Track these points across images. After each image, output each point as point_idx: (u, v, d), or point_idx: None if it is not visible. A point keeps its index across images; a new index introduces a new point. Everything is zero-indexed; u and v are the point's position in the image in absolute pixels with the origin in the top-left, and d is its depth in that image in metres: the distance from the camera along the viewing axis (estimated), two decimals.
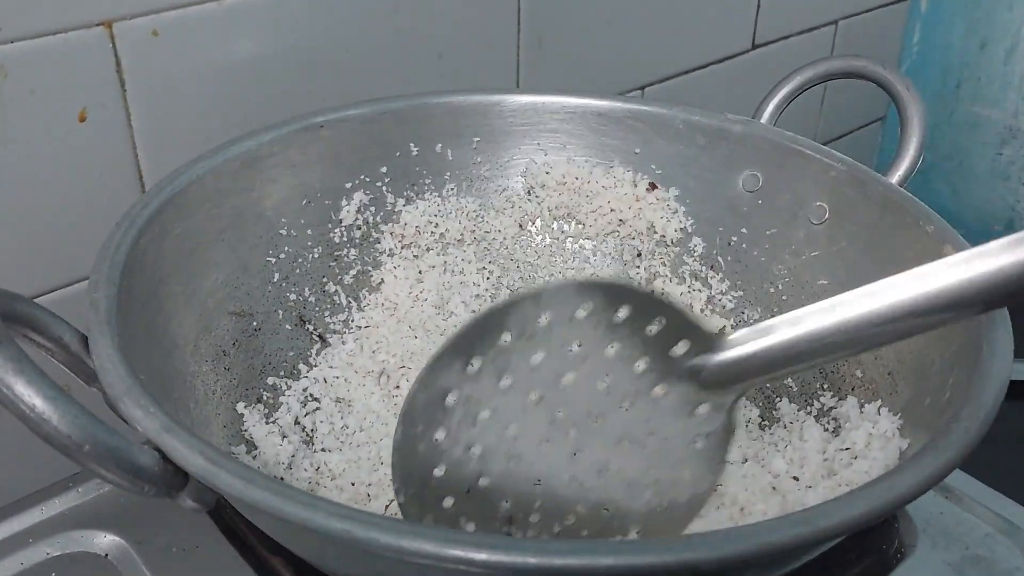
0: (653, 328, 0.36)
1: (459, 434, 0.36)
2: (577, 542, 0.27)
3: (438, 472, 0.36)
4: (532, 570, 0.26)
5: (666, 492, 0.37)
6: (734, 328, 0.49)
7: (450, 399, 0.35)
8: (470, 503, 0.36)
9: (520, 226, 0.56)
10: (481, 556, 0.26)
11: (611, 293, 0.36)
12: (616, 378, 0.37)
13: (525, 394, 0.36)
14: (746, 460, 0.45)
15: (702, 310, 0.54)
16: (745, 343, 0.36)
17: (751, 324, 0.38)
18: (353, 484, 0.43)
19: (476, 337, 0.35)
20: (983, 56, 0.93)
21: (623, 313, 0.36)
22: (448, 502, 0.36)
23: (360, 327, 0.52)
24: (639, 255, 0.55)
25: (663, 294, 0.39)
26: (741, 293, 0.53)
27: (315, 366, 0.50)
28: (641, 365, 0.36)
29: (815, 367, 0.42)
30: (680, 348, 0.36)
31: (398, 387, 0.49)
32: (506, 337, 0.35)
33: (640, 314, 0.36)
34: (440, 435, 0.36)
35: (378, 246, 0.54)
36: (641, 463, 0.37)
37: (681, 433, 0.37)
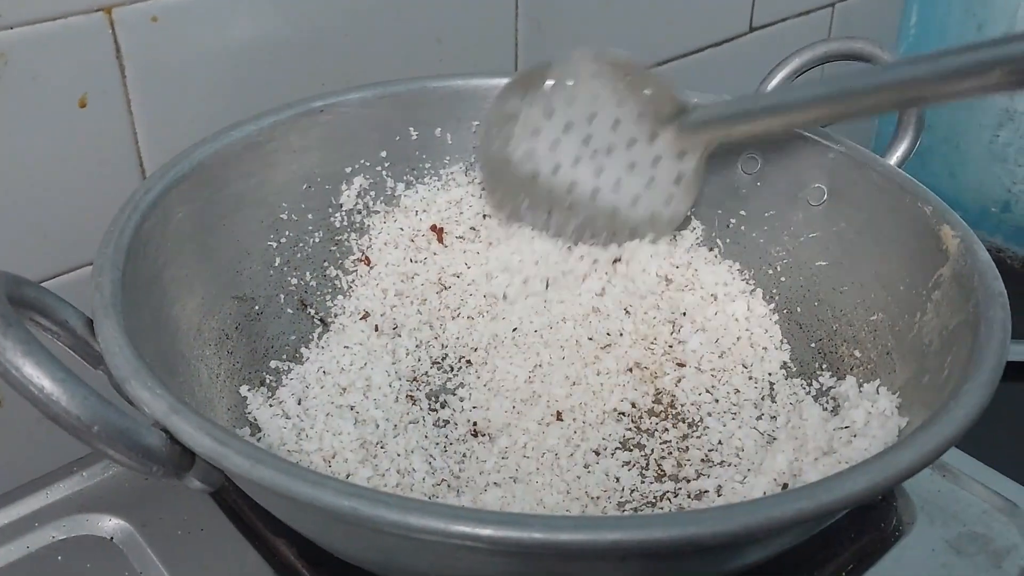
0: (647, 91, 0.50)
1: (519, 144, 0.51)
2: (581, 518, 0.28)
3: (507, 166, 0.52)
4: (537, 545, 0.27)
5: (657, 206, 0.52)
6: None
7: (514, 117, 0.51)
8: (525, 188, 0.52)
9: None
10: (487, 532, 0.27)
11: (618, 66, 0.50)
12: (624, 124, 0.51)
13: (563, 125, 0.51)
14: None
15: None
16: (710, 108, 0.50)
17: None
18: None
19: (528, 80, 0.51)
20: (980, 38, 0.93)
21: (626, 80, 0.50)
22: (512, 182, 0.52)
23: (361, 311, 0.52)
24: None
25: (651, 71, 0.51)
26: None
27: (317, 349, 0.50)
28: (641, 117, 0.51)
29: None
30: (667, 108, 0.50)
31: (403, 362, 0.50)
32: (548, 83, 0.51)
33: (637, 82, 0.50)
34: (506, 143, 0.52)
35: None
36: (642, 184, 0.51)
37: (669, 168, 0.51)
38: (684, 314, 0.52)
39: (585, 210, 0.51)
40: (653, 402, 0.49)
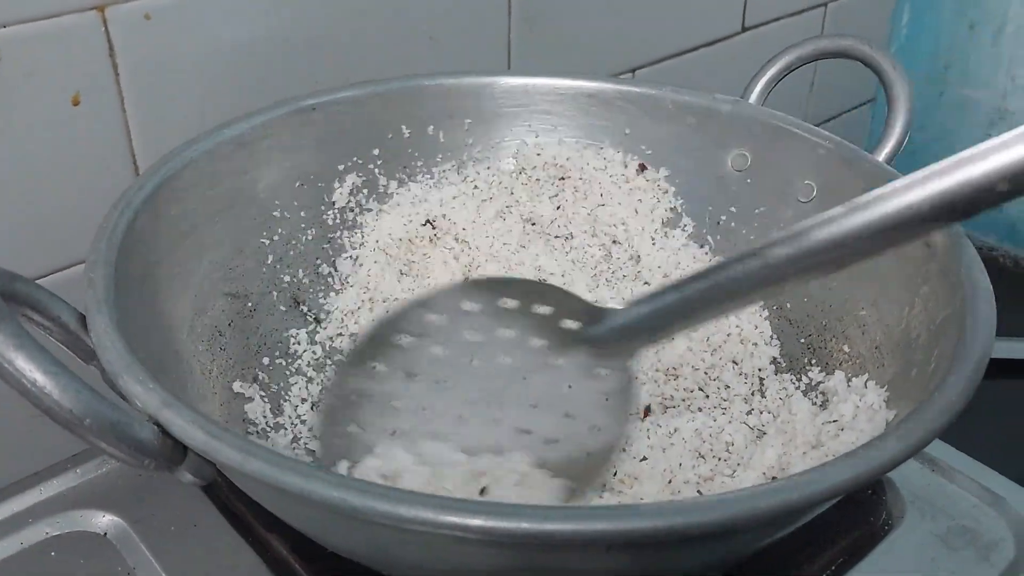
0: (541, 309, 0.40)
1: (374, 426, 0.38)
2: (569, 509, 0.28)
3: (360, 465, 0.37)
4: (526, 535, 0.27)
5: (582, 444, 0.39)
6: None
7: (359, 398, 0.39)
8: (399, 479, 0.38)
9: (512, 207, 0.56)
10: (476, 522, 0.27)
11: (494, 286, 0.41)
12: (517, 356, 0.40)
13: (433, 382, 0.39)
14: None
15: None
16: (630, 311, 0.39)
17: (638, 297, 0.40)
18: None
19: (374, 345, 0.40)
20: (972, 38, 0.93)
21: (511, 302, 0.40)
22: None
23: (352, 309, 0.52)
24: (628, 234, 0.56)
25: (541, 280, 0.42)
26: None
27: (309, 346, 0.50)
28: (536, 342, 0.40)
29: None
30: (570, 323, 0.40)
31: None
32: (403, 339, 0.40)
33: (526, 298, 0.40)
34: (353, 429, 0.38)
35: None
36: (556, 422, 0.39)
37: (587, 392, 0.40)
38: None
39: (491, 473, 0.37)
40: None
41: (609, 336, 0.40)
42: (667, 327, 0.39)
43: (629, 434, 0.40)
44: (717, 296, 0.37)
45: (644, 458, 0.44)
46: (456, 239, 0.54)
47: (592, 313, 0.40)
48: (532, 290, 0.40)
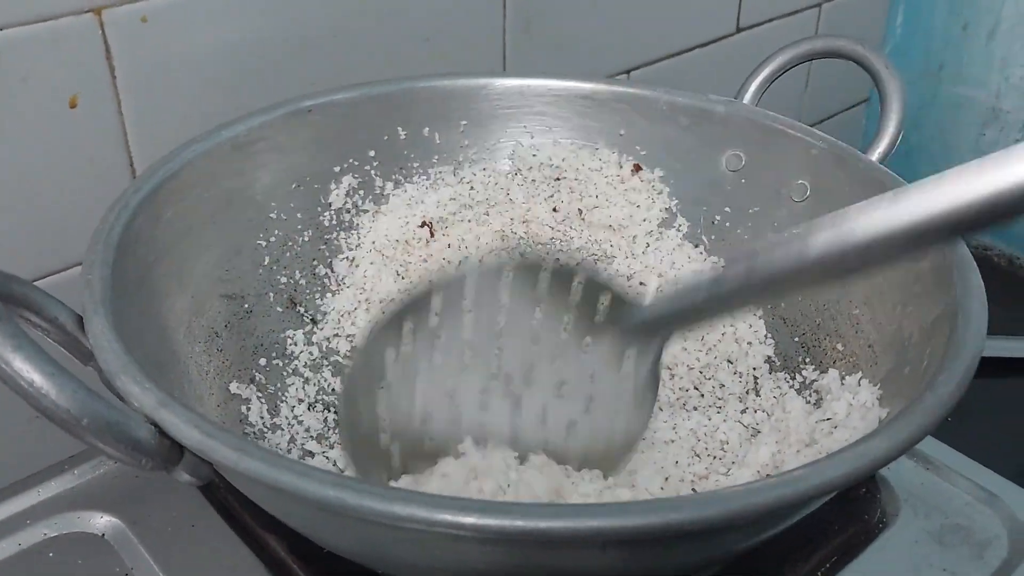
0: (573, 294, 0.39)
1: (399, 401, 0.38)
2: (562, 506, 0.28)
3: (384, 437, 0.38)
4: (519, 532, 0.27)
5: (602, 434, 0.39)
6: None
7: (387, 375, 0.38)
8: (415, 455, 0.39)
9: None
10: (469, 520, 0.27)
11: (527, 268, 0.38)
12: (546, 338, 0.39)
13: (460, 360, 0.39)
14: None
15: None
16: (660, 301, 0.38)
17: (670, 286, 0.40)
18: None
19: (408, 311, 0.38)
20: (965, 38, 0.94)
21: (543, 284, 0.38)
22: (395, 460, 0.39)
23: (348, 311, 0.53)
24: (623, 235, 0.56)
25: (578, 262, 0.39)
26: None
27: (306, 347, 0.51)
28: (567, 324, 0.39)
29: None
30: (601, 306, 0.39)
31: None
32: (436, 306, 0.38)
33: (559, 282, 0.38)
34: (381, 408, 0.38)
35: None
36: (579, 407, 0.39)
37: (612, 381, 0.39)
38: None
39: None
40: None
41: (638, 323, 0.39)
42: (697, 318, 0.38)
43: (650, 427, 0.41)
44: (733, 297, 0.36)
45: (640, 453, 0.44)
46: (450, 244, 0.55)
47: (621, 297, 0.39)
48: (563, 272, 0.39)
